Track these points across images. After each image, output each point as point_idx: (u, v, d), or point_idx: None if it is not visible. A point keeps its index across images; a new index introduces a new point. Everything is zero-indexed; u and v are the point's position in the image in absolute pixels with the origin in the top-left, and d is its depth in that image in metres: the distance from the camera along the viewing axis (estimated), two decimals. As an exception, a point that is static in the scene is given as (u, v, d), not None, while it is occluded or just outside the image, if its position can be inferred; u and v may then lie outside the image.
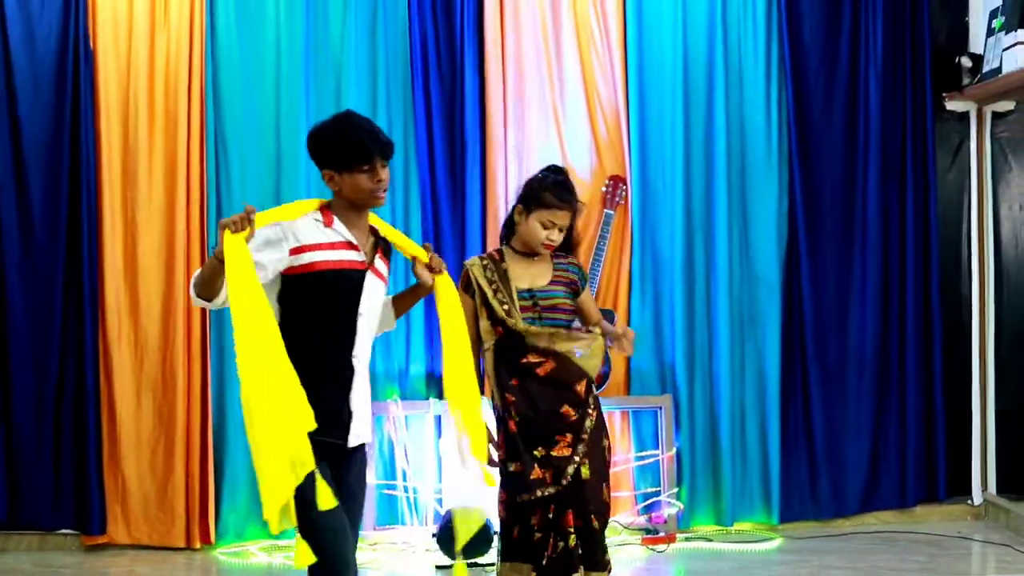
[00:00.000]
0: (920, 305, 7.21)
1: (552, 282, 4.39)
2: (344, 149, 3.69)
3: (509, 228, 4.52)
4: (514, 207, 4.47)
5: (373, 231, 3.91)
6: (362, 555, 6.34)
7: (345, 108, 6.65)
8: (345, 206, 3.78)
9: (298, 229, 3.70)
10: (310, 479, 3.32)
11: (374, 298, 3.81)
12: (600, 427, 4.37)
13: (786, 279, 7.08)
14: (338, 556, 3.54)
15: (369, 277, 3.78)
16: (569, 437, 4.24)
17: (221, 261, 3.44)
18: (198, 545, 6.67)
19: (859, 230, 7.15)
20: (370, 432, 3.87)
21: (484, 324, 4.33)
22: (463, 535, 5.80)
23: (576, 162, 6.92)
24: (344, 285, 3.72)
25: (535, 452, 4.23)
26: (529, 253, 4.41)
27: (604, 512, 4.33)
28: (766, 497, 7.04)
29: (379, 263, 3.85)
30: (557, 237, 4.33)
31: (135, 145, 6.71)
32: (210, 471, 6.70)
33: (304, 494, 3.33)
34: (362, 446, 3.81)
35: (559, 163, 6.80)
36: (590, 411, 4.33)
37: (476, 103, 6.90)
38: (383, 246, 3.91)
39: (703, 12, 7.01)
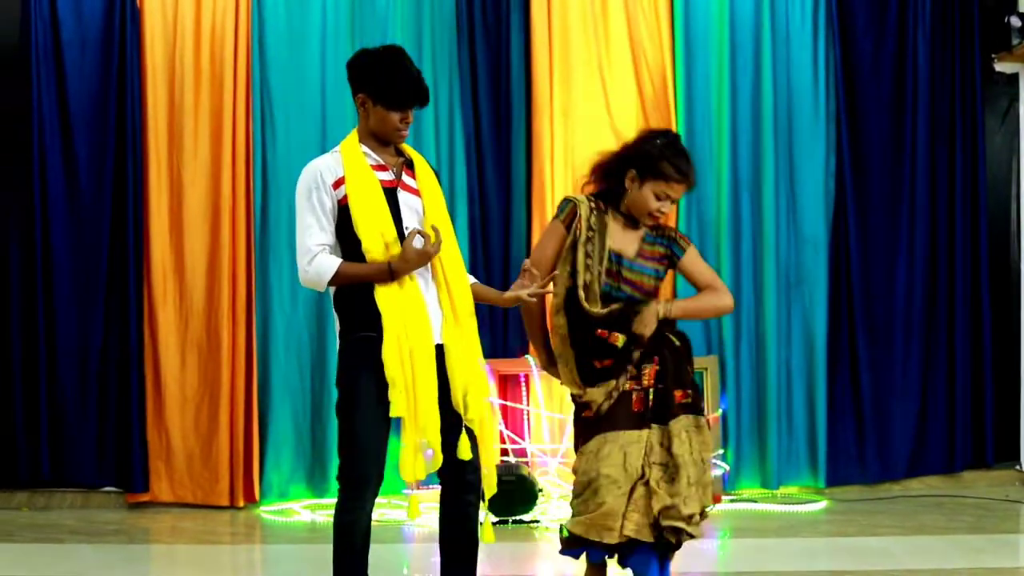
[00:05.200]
0: (969, 267, 7.17)
1: (639, 254, 4.00)
2: (389, 86, 3.78)
3: (609, 186, 4.07)
4: (625, 170, 4.00)
5: (399, 152, 3.99)
6: (404, 513, 6.34)
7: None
8: (367, 133, 3.90)
9: (332, 165, 3.85)
10: None
11: (410, 213, 3.89)
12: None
13: (833, 240, 7.04)
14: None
15: (401, 194, 3.88)
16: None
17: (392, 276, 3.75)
18: (242, 504, 6.69)
19: (907, 191, 7.10)
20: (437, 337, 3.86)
21: (563, 269, 3.97)
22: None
23: (621, 121, 6.89)
24: None
25: None
26: (631, 219, 4.03)
27: None
28: (812, 461, 7.00)
29: (407, 179, 3.93)
30: (668, 210, 3.97)
31: (181, 104, 6.75)
32: (254, 430, 6.71)
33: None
34: (441, 346, 3.86)
35: (605, 121, 6.81)
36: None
37: (522, 62, 6.91)
38: (408, 163, 3.98)
39: (750, -31, 6.99)
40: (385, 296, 3.75)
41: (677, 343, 4.01)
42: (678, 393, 3.95)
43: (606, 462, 3.87)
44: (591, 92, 6.92)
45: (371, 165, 3.85)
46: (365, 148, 3.87)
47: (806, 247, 7.01)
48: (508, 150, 6.91)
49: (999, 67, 7.20)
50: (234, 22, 6.74)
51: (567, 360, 4.01)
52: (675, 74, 6.92)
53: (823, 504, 6.74)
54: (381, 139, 3.88)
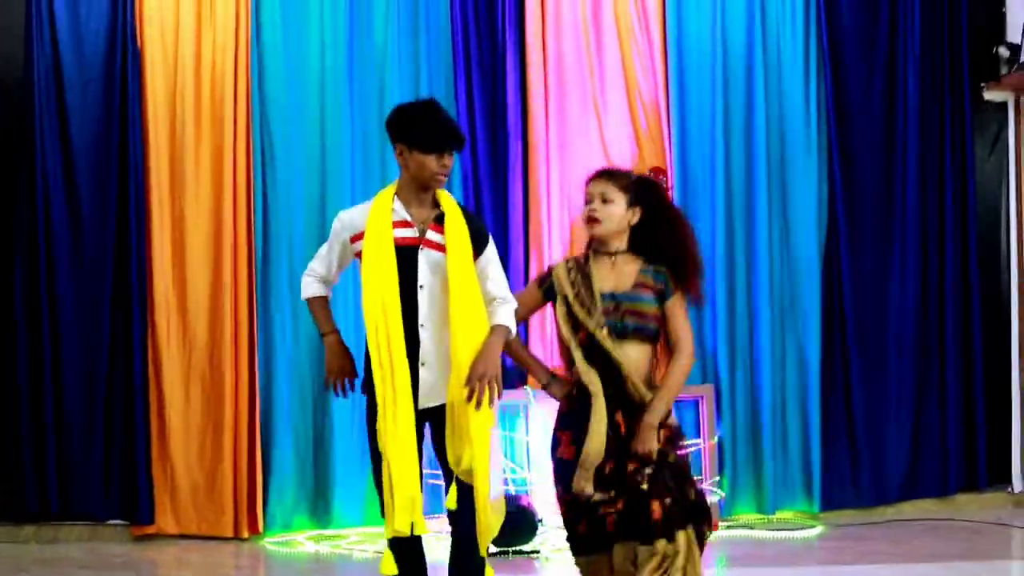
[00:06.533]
0: (960, 293, 7.27)
1: (636, 285, 4.14)
2: (423, 130, 3.99)
3: None
4: None
5: (436, 204, 4.09)
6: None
7: (390, 104, 6.82)
8: (408, 182, 4.07)
9: (356, 220, 4.08)
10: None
11: (431, 270, 4.00)
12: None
13: (826, 267, 7.15)
14: None
15: (423, 252, 4.00)
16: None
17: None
18: (246, 535, 6.76)
19: (898, 219, 7.21)
20: (441, 397, 3.99)
21: (566, 329, 4.13)
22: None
23: (617, 154, 6.99)
24: (400, 261, 3.99)
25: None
26: (609, 252, 4.20)
27: None
28: (807, 486, 7.09)
29: (432, 235, 4.03)
30: (598, 207, 4.12)
31: (182, 143, 6.82)
32: (258, 462, 6.78)
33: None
34: (441, 407, 3.99)
35: (600, 155, 6.90)
36: None
37: (517, 98, 7.00)
38: (440, 218, 4.07)
39: (742, 5, 7.10)
40: (375, 364, 3.94)
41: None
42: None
43: None
44: (586, 127, 7.02)
45: (395, 222, 4.00)
46: (397, 203, 4.03)
47: (800, 274, 7.11)
48: (505, 186, 6.99)
49: (988, 95, 7.30)
50: (233, 59, 6.80)
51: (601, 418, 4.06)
52: (669, 107, 7.03)
53: (818, 529, 6.84)
54: (422, 185, 4.03)
